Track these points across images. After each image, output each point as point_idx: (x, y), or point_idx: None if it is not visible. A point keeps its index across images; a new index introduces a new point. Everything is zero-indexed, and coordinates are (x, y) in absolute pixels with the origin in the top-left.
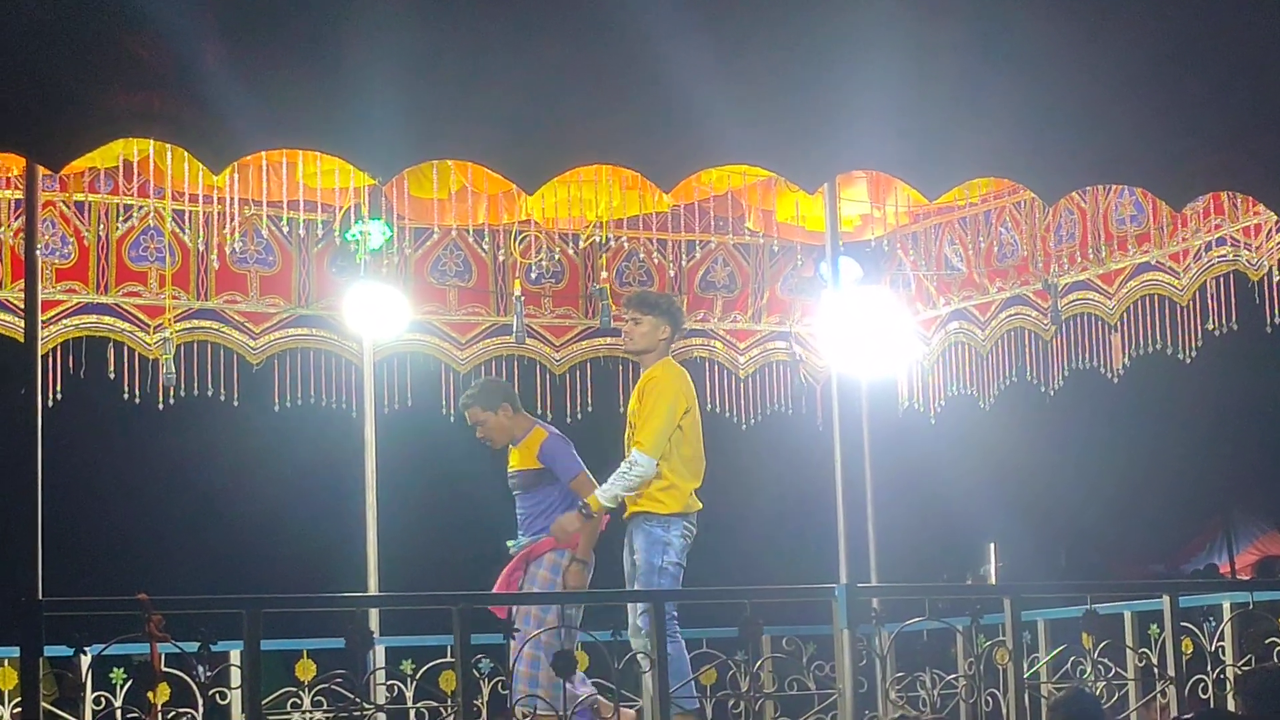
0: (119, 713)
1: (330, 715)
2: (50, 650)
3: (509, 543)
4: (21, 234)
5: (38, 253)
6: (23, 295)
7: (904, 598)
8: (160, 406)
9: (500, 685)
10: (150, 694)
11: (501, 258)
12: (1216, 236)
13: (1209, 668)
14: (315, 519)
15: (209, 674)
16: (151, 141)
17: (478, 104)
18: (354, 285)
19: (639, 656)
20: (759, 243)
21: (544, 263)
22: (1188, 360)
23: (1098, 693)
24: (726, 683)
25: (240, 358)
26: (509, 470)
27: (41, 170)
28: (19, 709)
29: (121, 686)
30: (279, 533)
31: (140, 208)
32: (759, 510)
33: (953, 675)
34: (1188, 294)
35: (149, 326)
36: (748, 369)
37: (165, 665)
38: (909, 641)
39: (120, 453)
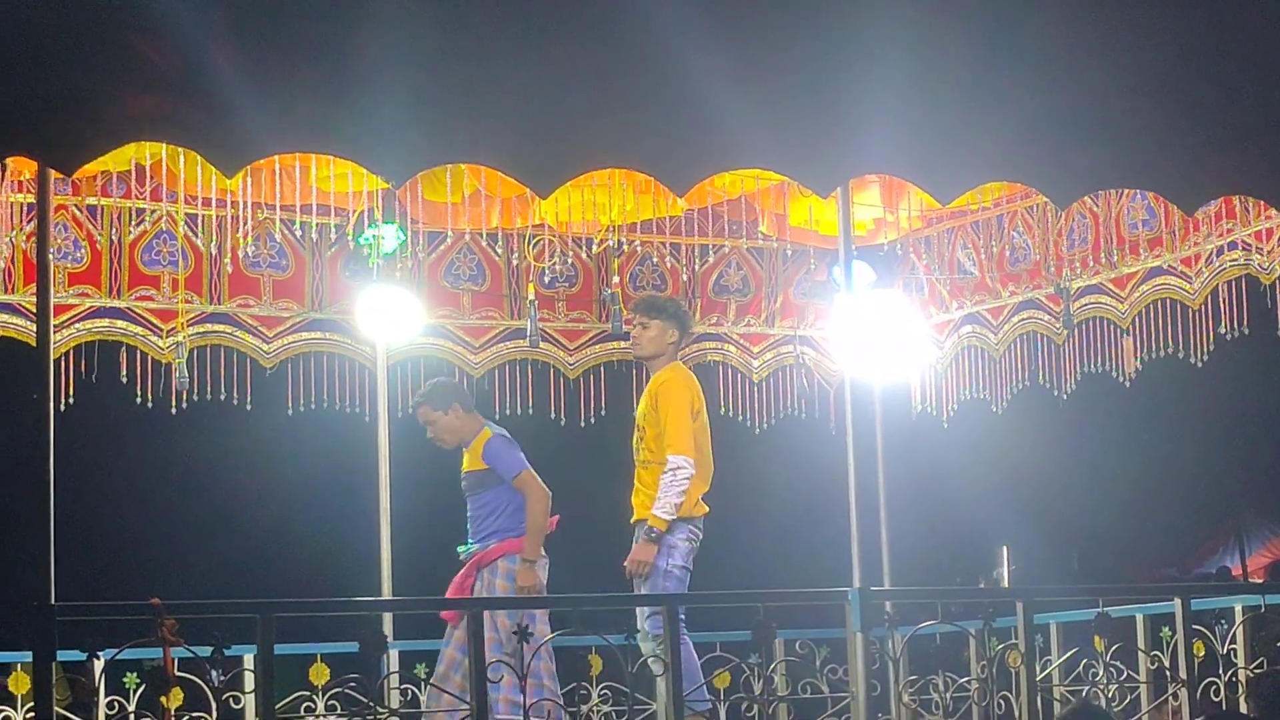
0: (132, 717)
1: (344, 719)
2: (63, 655)
3: (460, 548)
4: (34, 238)
5: (50, 257)
6: (35, 299)
7: (917, 601)
8: (173, 411)
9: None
10: (163, 699)
11: (515, 261)
12: (1228, 241)
13: (1221, 671)
14: (328, 523)
15: (222, 678)
16: (164, 145)
17: (491, 107)
18: (367, 289)
19: (650, 660)
20: (772, 247)
21: (557, 267)
22: (1200, 364)
23: (1109, 695)
24: (740, 686)
25: (253, 362)
26: (461, 472)
27: (54, 174)
28: (32, 714)
29: (135, 691)
30: (292, 537)
31: (153, 211)
32: (772, 514)
33: (965, 678)
34: (1199, 298)
35: (162, 330)
36: (761, 373)
37: (179, 670)
38: (922, 645)
39: (133, 457)
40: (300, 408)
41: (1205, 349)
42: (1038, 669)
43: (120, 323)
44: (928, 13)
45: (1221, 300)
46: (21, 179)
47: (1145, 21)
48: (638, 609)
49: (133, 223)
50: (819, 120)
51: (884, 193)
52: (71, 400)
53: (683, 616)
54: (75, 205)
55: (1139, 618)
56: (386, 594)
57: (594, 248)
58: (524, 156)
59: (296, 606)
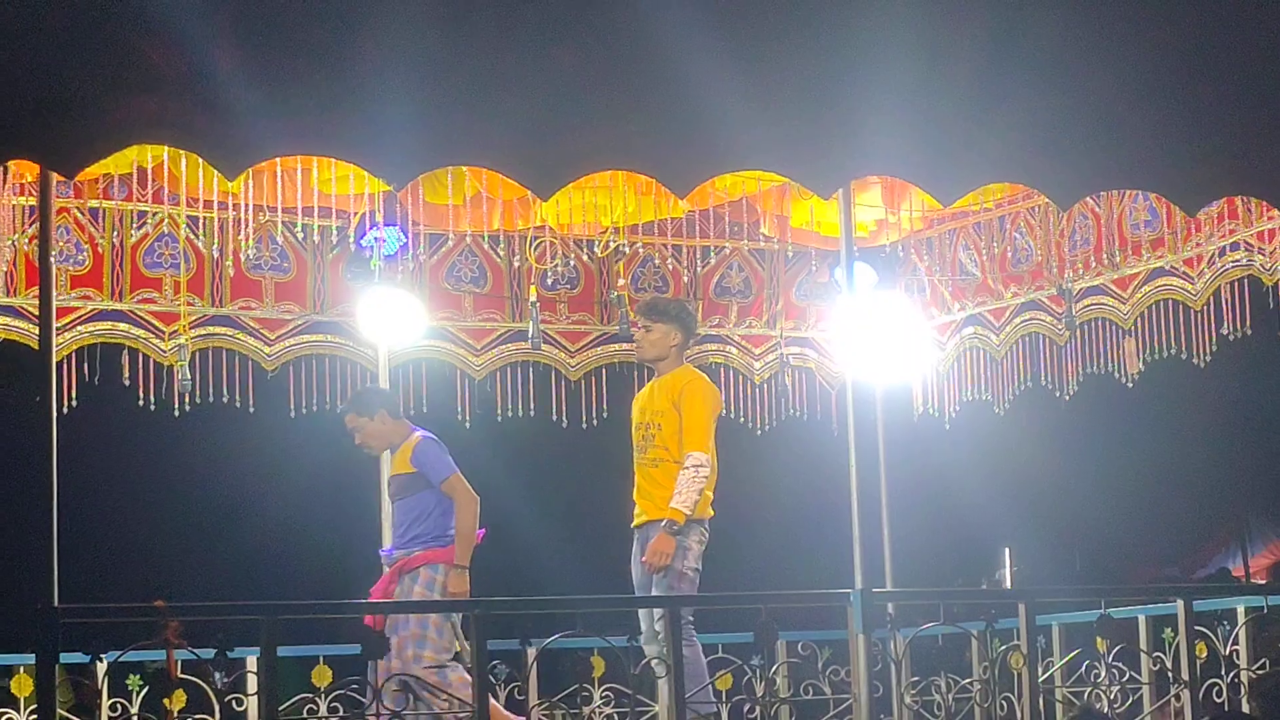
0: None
1: None
2: (66, 657)
3: (381, 551)
4: (36, 241)
5: (52, 259)
6: (37, 302)
7: (919, 602)
8: (175, 413)
9: (516, 691)
10: (166, 701)
11: (517, 264)
12: (1230, 241)
13: (1223, 672)
14: (331, 525)
15: (225, 680)
16: (166, 148)
17: (492, 109)
18: (369, 291)
19: (654, 662)
20: (774, 248)
21: (559, 268)
22: (1202, 365)
23: (1112, 697)
24: (742, 687)
25: (255, 364)
26: (388, 476)
27: (55, 176)
28: (35, 716)
29: (138, 693)
30: (295, 539)
31: (155, 214)
32: (774, 515)
33: (968, 680)
34: (1202, 299)
35: (164, 333)
36: (763, 374)
37: (182, 672)
38: (924, 646)
39: (135, 459)
40: (302, 410)
41: (1208, 350)
42: (1040, 670)
43: (122, 325)
44: (929, 14)
45: (1224, 301)
46: (23, 182)
47: (1147, 23)
48: (643, 611)
49: (134, 225)
50: (820, 122)
51: (886, 194)
52: (74, 403)
53: (691, 619)
54: (77, 208)
55: (1141, 619)
56: None
57: (600, 250)
58: (525, 158)
59: (299, 608)
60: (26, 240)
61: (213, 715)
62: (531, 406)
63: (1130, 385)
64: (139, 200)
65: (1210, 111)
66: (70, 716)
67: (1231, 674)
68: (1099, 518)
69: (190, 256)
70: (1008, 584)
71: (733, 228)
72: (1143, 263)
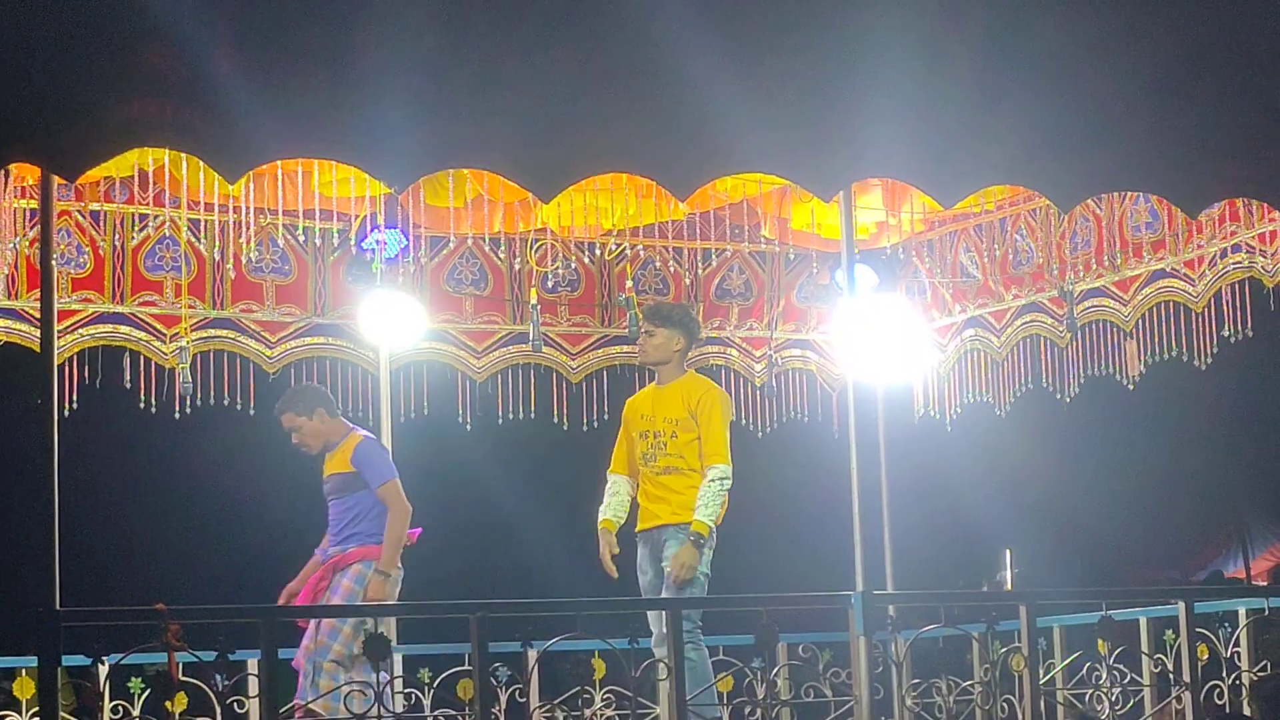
0: None
1: None
2: (68, 660)
3: (318, 551)
4: (37, 243)
5: (53, 262)
6: (38, 305)
7: (920, 604)
8: (177, 416)
9: (517, 693)
10: (168, 703)
11: (517, 266)
12: (1231, 243)
13: (1224, 674)
14: None
15: (227, 683)
16: (167, 151)
17: (493, 112)
18: (370, 294)
19: (662, 665)
20: (774, 250)
21: (560, 271)
22: (1203, 367)
23: (1113, 699)
24: (743, 690)
25: (257, 367)
26: (323, 476)
27: (57, 180)
28: (38, 719)
29: (139, 696)
30: (296, 542)
31: (156, 217)
32: (775, 517)
33: (969, 682)
34: (1203, 300)
35: (165, 336)
36: (763, 377)
37: (183, 674)
38: (925, 648)
39: (137, 462)
40: None
41: (1209, 352)
42: (1041, 672)
43: (124, 328)
44: (930, 17)
45: (1225, 303)
46: (25, 185)
47: (1148, 25)
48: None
49: (136, 228)
50: (821, 124)
51: (886, 196)
52: (75, 405)
53: (700, 623)
54: (78, 211)
55: (1142, 621)
56: None
57: (602, 255)
58: (526, 161)
59: (300, 611)
60: (28, 243)
61: (214, 718)
62: (532, 409)
63: (1131, 387)
64: (140, 203)
65: (1211, 113)
66: (72, 719)
67: (1233, 676)
68: (1100, 519)
69: (191, 259)
70: (1009, 585)
71: (733, 230)
72: (1144, 265)
